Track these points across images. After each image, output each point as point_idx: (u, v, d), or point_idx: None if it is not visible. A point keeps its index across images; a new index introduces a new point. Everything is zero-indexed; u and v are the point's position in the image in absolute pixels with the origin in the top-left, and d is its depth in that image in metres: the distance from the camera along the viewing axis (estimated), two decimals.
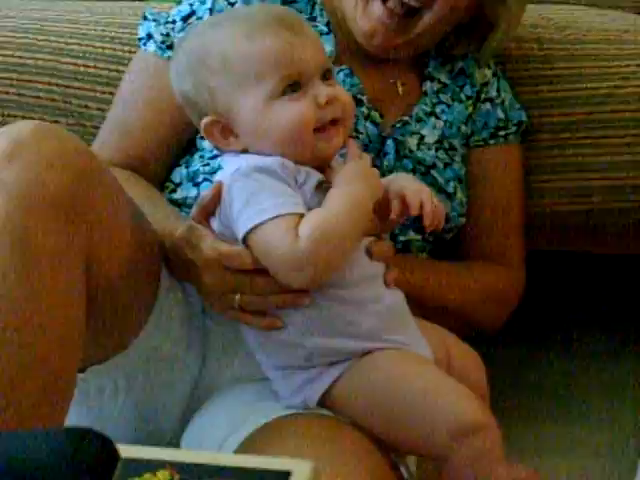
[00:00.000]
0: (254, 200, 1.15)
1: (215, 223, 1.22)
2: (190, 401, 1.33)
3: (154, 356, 1.29)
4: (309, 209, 1.16)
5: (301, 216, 1.15)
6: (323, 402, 1.21)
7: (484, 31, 1.51)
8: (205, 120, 1.21)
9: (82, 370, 1.24)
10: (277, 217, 1.14)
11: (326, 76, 1.20)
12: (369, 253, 1.21)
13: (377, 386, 1.18)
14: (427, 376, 1.18)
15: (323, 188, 1.19)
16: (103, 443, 0.83)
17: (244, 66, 1.19)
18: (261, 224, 1.14)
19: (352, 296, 1.19)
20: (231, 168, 1.20)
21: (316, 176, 1.19)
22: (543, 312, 1.93)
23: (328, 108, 1.18)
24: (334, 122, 1.19)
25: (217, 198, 1.20)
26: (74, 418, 1.21)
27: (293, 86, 1.18)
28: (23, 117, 1.66)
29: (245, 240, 1.17)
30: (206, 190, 1.22)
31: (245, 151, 1.21)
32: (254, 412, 1.24)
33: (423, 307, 1.35)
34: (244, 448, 1.19)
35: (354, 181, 1.18)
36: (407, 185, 1.23)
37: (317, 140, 1.18)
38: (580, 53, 1.64)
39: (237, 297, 1.21)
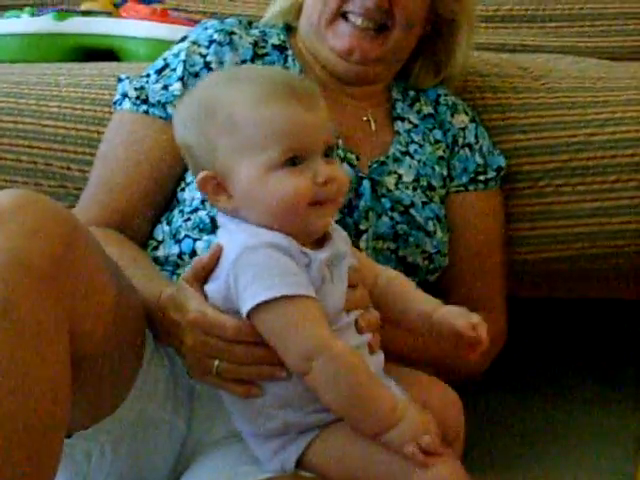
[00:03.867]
0: (264, 275, 1.13)
1: (210, 288, 1.20)
2: (178, 462, 1.33)
3: (140, 419, 1.28)
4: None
5: (312, 299, 1.13)
6: (301, 464, 1.19)
7: (443, 55, 1.59)
8: (201, 175, 1.20)
9: (69, 436, 1.24)
10: (292, 297, 1.12)
11: (327, 153, 1.19)
12: (358, 327, 1.20)
13: (351, 451, 1.17)
14: None
15: (329, 266, 1.18)
16: None
17: (250, 132, 1.17)
18: (271, 301, 1.12)
19: None
20: (232, 236, 1.18)
21: (318, 257, 1.17)
22: (532, 359, 1.94)
23: (325, 187, 1.16)
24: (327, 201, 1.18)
25: (214, 261, 1.19)
26: None
27: (294, 159, 1.16)
28: (4, 180, 1.66)
29: (249, 314, 1.15)
30: (204, 254, 1.21)
31: (234, 211, 1.19)
32: (237, 475, 1.23)
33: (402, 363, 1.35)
34: None
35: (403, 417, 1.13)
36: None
37: (310, 214, 1.17)
38: (556, 101, 1.66)
39: (216, 363, 1.20)
